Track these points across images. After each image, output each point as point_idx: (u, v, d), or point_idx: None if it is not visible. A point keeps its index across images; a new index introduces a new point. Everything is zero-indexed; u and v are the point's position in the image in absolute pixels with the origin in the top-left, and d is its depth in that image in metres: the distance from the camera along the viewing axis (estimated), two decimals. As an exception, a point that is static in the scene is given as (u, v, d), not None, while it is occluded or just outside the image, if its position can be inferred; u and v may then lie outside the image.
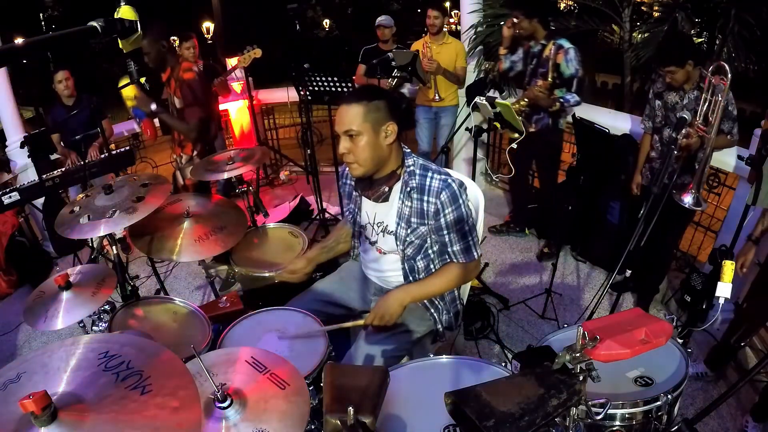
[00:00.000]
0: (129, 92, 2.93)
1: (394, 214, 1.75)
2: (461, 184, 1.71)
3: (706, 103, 2.32)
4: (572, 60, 3.05)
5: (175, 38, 4.20)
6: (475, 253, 1.76)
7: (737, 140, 2.59)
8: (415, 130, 4.43)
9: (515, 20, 3.19)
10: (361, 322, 1.75)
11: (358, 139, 1.61)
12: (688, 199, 2.15)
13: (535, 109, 3.24)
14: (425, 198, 1.69)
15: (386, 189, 1.72)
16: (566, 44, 3.07)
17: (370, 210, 1.83)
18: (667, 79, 2.56)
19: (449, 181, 1.68)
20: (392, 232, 1.78)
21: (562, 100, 3.11)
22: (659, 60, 2.59)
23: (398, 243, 1.78)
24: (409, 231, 1.74)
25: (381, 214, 1.80)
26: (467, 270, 1.77)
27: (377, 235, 1.83)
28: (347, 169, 1.78)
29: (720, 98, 2.13)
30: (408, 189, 1.71)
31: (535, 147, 3.37)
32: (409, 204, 1.71)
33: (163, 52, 2.83)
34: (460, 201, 1.68)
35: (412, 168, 1.71)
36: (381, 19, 4.32)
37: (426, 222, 1.72)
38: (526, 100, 3.21)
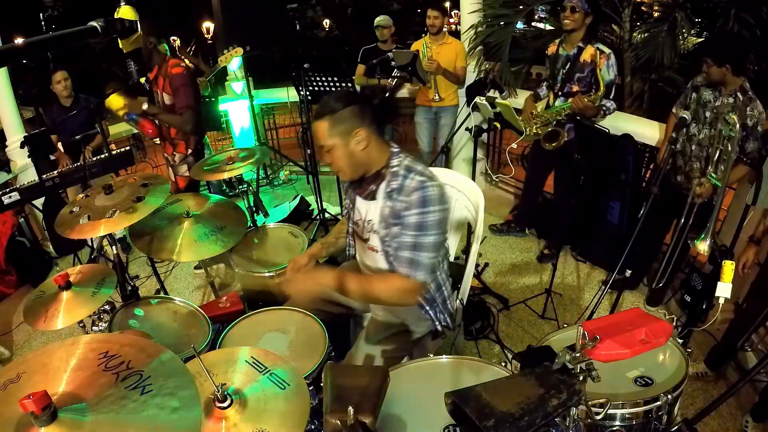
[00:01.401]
0: (117, 104, 2.89)
1: (378, 213, 1.75)
2: (441, 193, 1.64)
3: (717, 152, 2.30)
4: (612, 65, 2.94)
5: (176, 38, 4.20)
6: (418, 274, 1.62)
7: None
8: (415, 130, 4.43)
9: (573, 8, 2.95)
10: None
11: (332, 152, 1.64)
12: (703, 247, 2.15)
13: (569, 117, 3.12)
14: (400, 197, 1.66)
15: (374, 187, 1.73)
16: (606, 49, 2.96)
17: (362, 207, 1.84)
18: (704, 67, 2.50)
19: (427, 184, 1.62)
20: (377, 231, 1.78)
21: (604, 108, 3.01)
22: (703, 45, 2.51)
23: (380, 242, 1.77)
24: (388, 231, 1.72)
25: (370, 212, 1.80)
26: (407, 287, 1.64)
27: (368, 233, 1.83)
28: None
29: (730, 148, 2.11)
30: (389, 190, 1.69)
31: (560, 154, 3.24)
32: (390, 204, 1.69)
33: (150, 49, 2.80)
34: (430, 208, 1.61)
35: (396, 169, 1.69)
36: (379, 20, 4.33)
37: (398, 222, 1.69)
38: (570, 109, 3.04)
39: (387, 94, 1.63)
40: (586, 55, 3.01)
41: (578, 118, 3.13)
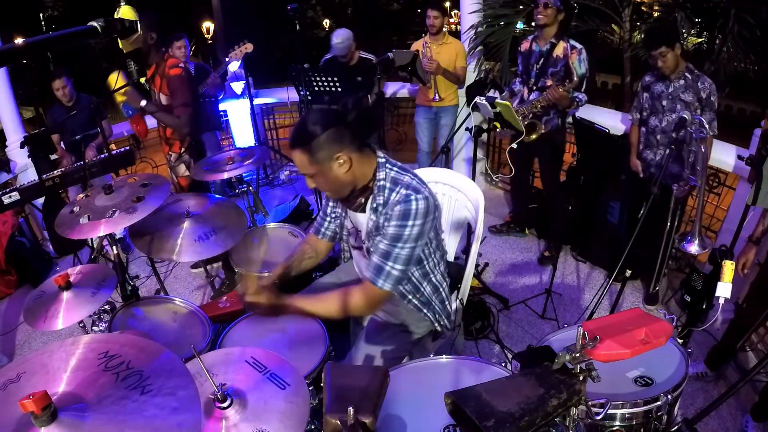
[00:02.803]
0: (113, 81, 2.88)
1: (365, 226, 1.73)
2: (426, 206, 1.57)
3: (691, 156, 2.42)
4: (584, 60, 3.04)
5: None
6: (380, 280, 1.58)
7: (716, 133, 2.71)
8: (415, 130, 4.42)
9: (546, 3, 3.02)
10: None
11: (316, 178, 1.59)
12: (693, 248, 2.17)
13: (545, 110, 3.17)
14: (384, 211, 1.63)
15: (362, 200, 1.70)
16: (577, 44, 3.05)
17: (353, 217, 1.82)
18: (659, 63, 2.68)
19: (412, 198, 1.57)
20: (364, 242, 1.76)
21: (577, 100, 3.09)
22: (650, 44, 2.70)
23: (368, 254, 1.74)
24: (371, 243, 1.70)
25: (360, 223, 1.78)
26: (365, 292, 1.60)
27: (361, 241, 1.83)
28: None
29: (703, 149, 2.15)
30: (375, 205, 1.66)
31: (539, 148, 3.31)
32: (374, 218, 1.67)
33: (150, 45, 2.76)
34: (409, 222, 1.56)
35: (382, 182, 1.64)
36: (336, 43, 3.98)
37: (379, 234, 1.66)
38: (545, 101, 3.09)
39: (362, 106, 1.56)
40: (559, 50, 3.10)
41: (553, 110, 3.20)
